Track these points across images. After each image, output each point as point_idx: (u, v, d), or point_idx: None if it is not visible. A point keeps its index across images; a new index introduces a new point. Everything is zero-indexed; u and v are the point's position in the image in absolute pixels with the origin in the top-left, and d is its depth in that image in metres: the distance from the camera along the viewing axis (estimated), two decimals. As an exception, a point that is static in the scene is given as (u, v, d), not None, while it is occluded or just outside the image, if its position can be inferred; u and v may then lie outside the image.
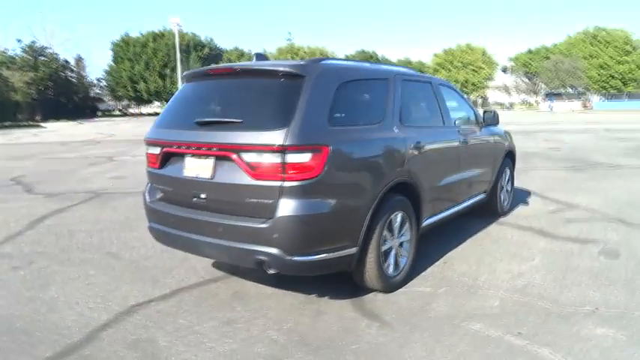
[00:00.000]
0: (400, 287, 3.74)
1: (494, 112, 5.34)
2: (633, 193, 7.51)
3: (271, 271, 3.13)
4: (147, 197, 3.74)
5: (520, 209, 6.47)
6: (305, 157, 2.95)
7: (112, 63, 64.34)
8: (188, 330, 3.13)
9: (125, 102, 69.26)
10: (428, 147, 4.07)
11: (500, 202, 5.95)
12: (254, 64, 3.61)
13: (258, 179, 3.00)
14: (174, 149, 3.45)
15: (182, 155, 3.42)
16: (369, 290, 3.65)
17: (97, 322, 3.24)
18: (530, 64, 71.92)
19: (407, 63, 67.08)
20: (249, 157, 3.02)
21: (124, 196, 7.57)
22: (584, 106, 64.22)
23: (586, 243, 4.89)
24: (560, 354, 2.77)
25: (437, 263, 4.34)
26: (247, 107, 3.25)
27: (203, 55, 63.52)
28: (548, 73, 65.13)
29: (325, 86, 3.26)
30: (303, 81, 3.14)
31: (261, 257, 3.04)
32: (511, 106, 72.45)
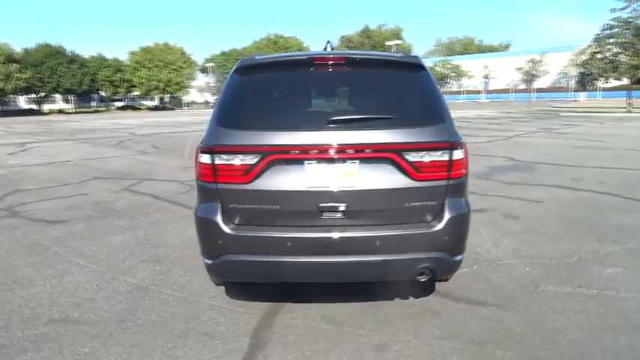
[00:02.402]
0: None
1: None
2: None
3: (424, 279, 2.88)
4: (221, 223, 2.78)
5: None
6: (462, 153, 2.84)
7: None
8: (358, 369, 2.61)
9: None
10: None
11: None
12: (370, 53, 3.12)
13: (421, 180, 2.73)
14: (291, 155, 2.70)
15: (298, 162, 2.72)
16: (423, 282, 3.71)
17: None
18: (225, 65, 76.67)
19: (102, 60, 61.89)
20: (413, 157, 2.70)
21: None
22: None
23: (483, 212, 6.00)
24: (624, 292, 3.53)
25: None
26: (387, 102, 2.84)
27: None
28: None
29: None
30: (427, 73, 2.98)
31: (428, 264, 2.79)
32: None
